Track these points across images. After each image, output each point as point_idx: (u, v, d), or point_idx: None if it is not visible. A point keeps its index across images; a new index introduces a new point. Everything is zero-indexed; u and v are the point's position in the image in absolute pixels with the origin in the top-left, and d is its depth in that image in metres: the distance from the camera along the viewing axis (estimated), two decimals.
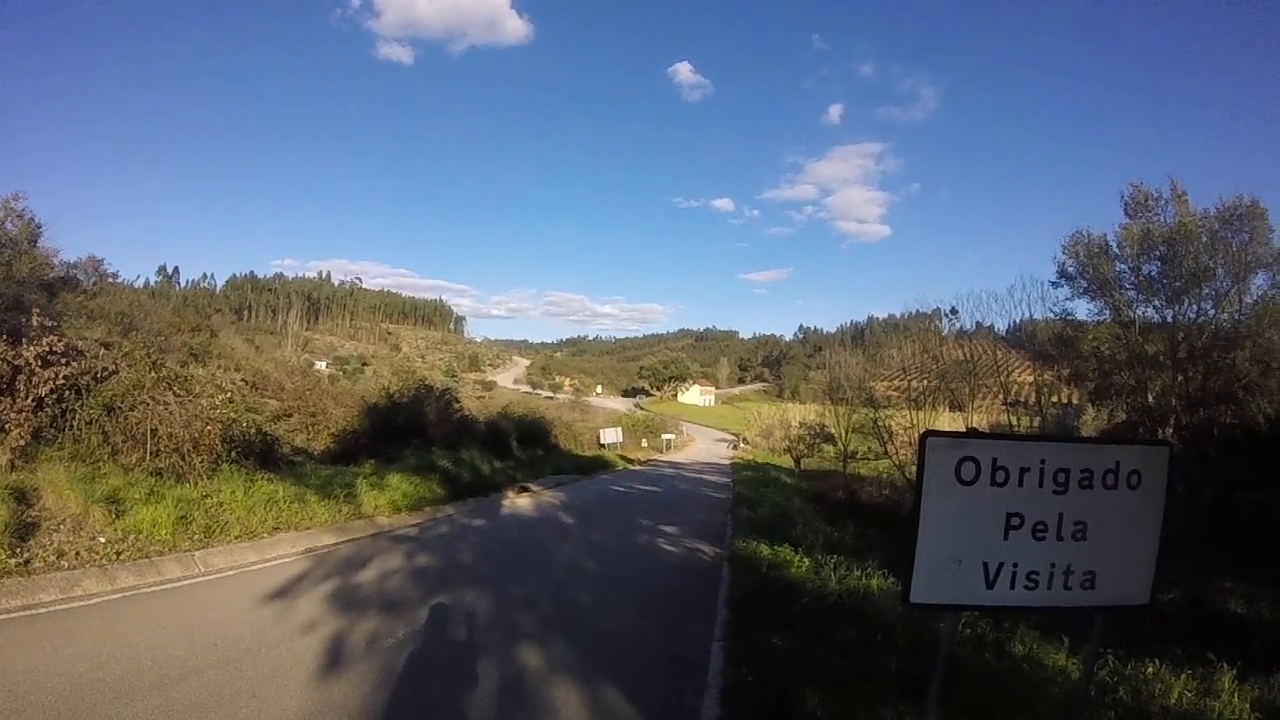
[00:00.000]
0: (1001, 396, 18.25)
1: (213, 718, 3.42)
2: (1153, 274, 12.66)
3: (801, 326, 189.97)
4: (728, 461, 36.69)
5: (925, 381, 19.40)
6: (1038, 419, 16.44)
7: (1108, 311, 13.47)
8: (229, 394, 9.79)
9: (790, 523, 11.50)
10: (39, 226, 17.79)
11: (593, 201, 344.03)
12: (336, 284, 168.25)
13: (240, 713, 3.49)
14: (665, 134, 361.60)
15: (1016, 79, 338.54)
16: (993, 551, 2.58)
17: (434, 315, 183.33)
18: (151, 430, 7.50)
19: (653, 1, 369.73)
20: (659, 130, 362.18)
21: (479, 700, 3.87)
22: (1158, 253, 12.51)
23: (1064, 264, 13.94)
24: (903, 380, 22.33)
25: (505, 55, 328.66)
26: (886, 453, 18.24)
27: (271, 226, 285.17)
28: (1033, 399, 17.18)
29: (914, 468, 2.80)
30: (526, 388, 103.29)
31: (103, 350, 9.21)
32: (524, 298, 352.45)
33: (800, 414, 42.39)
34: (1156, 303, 12.65)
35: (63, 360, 7.26)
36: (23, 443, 6.67)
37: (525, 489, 14.76)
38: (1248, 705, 4.39)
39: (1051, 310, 14.74)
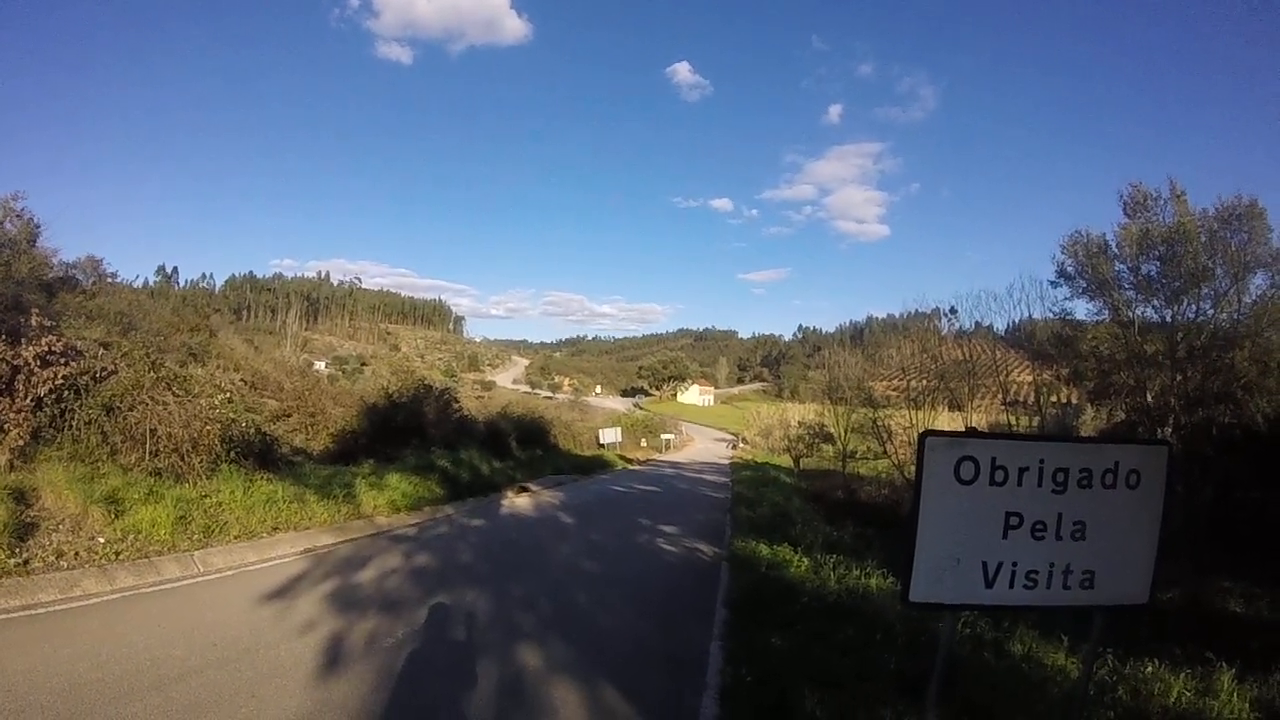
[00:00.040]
0: (1000, 396, 18.27)
1: (212, 718, 3.42)
2: (1152, 274, 12.64)
3: (800, 326, 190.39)
4: (727, 461, 36.70)
5: (924, 381, 19.37)
6: (1037, 419, 16.43)
7: (1107, 311, 13.44)
8: (228, 394, 9.77)
9: (789, 522, 11.49)
10: (38, 226, 17.75)
11: (592, 201, 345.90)
12: (335, 284, 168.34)
13: (239, 713, 3.49)
14: (664, 134, 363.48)
15: (1016, 79, 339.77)
16: (992, 551, 2.58)
17: (433, 315, 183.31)
18: (150, 430, 7.50)
19: (652, 1, 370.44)
20: (658, 130, 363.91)
21: (478, 700, 3.87)
22: (1157, 252, 12.50)
23: (1063, 264, 13.91)
24: (902, 380, 22.33)
25: (504, 55, 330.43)
26: (885, 452, 18.22)
27: (270, 226, 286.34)
28: (1032, 399, 17.18)
29: (913, 467, 2.80)
30: (525, 387, 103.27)
31: (102, 350, 9.19)
32: (523, 298, 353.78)
33: (799, 414, 42.32)
34: (1155, 302, 12.64)
35: (62, 360, 7.25)
36: (22, 443, 6.67)
37: (524, 489, 14.76)
38: (1247, 704, 4.39)
39: (1050, 310, 14.71)
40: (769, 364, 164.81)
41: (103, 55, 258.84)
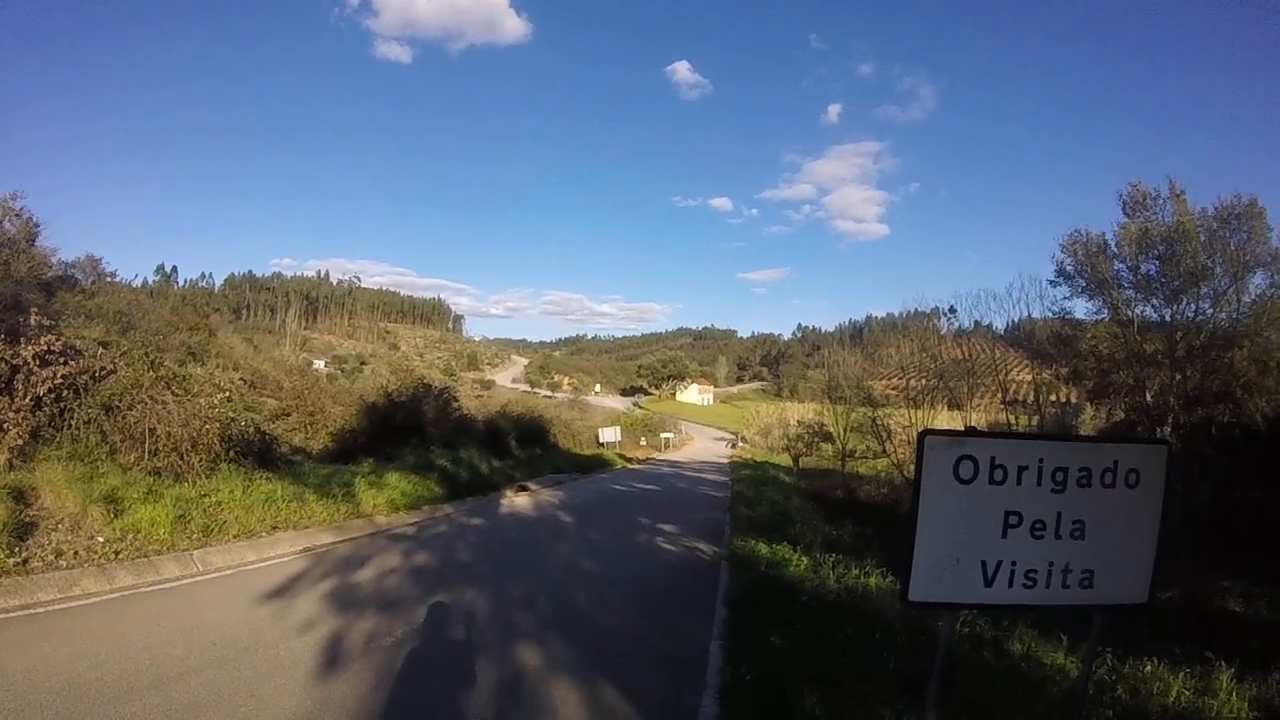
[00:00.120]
0: (1000, 395, 18.26)
1: (211, 717, 3.42)
2: (1151, 273, 12.65)
3: (800, 325, 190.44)
4: (726, 460, 36.70)
5: (924, 380, 19.42)
6: (1036, 418, 16.47)
7: (1106, 310, 13.46)
8: (227, 393, 9.76)
9: (789, 521, 11.49)
10: (37, 225, 17.78)
11: (591, 200, 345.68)
12: (335, 283, 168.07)
13: (239, 712, 3.49)
14: (663, 133, 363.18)
15: (1015, 78, 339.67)
16: (991, 550, 2.58)
17: (432, 314, 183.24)
18: (150, 429, 7.49)
19: (651, 1, 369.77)
20: (657, 129, 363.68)
21: (477, 699, 3.87)
22: (1156, 252, 12.50)
23: (1062, 263, 13.93)
24: (901, 379, 22.39)
25: (504, 54, 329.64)
26: (885, 451, 18.24)
27: (270, 226, 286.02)
28: (1031, 398, 17.21)
29: (912, 466, 2.80)
30: (525, 387, 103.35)
31: (101, 349, 9.18)
32: (522, 297, 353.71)
33: (799, 413, 42.36)
34: (1155, 302, 12.65)
35: (61, 359, 7.24)
36: (21, 442, 6.66)
37: (524, 488, 14.76)
38: (1246, 704, 4.39)
39: (1050, 309, 14.74)
40: (768, 363, 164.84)
41: (102, 55, 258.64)
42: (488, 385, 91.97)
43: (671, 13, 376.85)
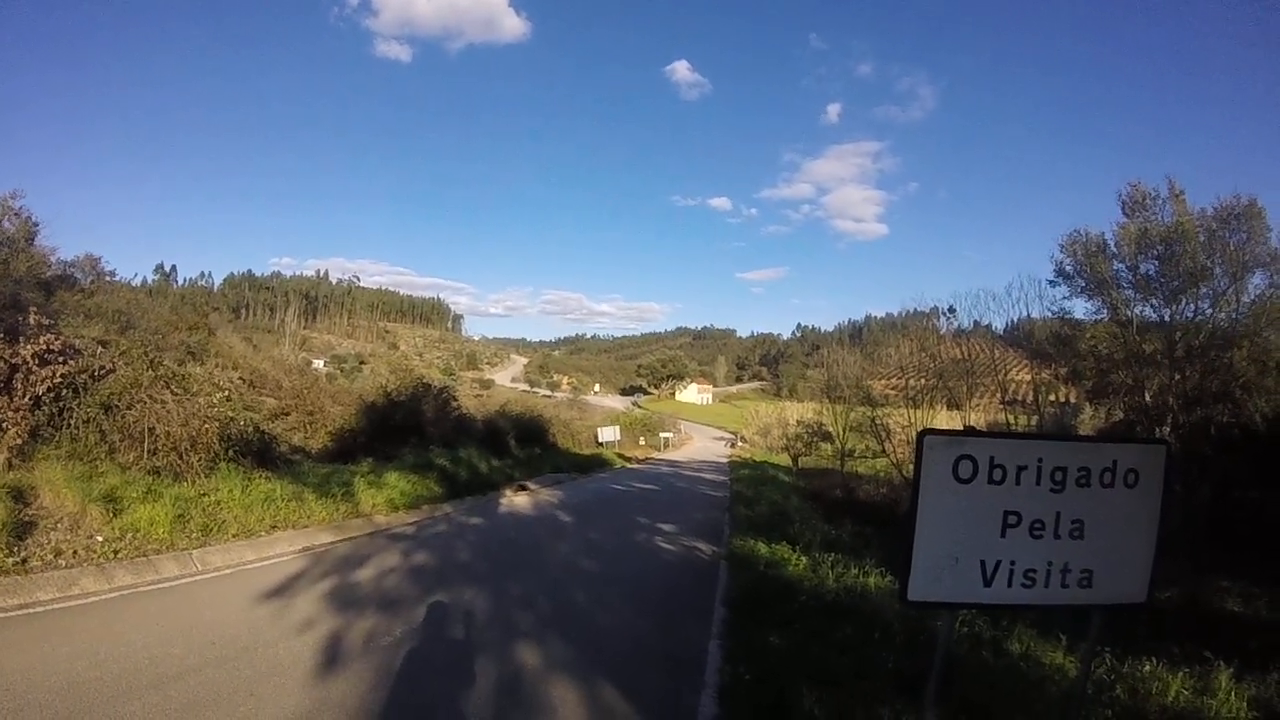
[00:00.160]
0: (999, 395, 18.29)
1: (210, 716, 3.41)
2: (1150, 273, 12.67)
3: (799, 325, 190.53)
4: (725, 460, 36.73)
5: (923, 380, 19.44)
6: (1035, 417, 16.49)
7: (1105, 310, 13.47)
8: (226, 392, 9.73)
9: (788, 521, 11.50)
10: (36, 225, 17.80)
11: (590, 200, 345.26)
12: (334, 282, 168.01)
13: (238, 711, 3.48)
14: (663, 132, 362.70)
15: (1015, 78, 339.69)
16: (990, 549, 2.58)
17: (432, 314, 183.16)
18: (149, 429, 7.48)
19: (651, 0, 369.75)
20: (656, 129, 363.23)
21: (476, 698, 3.87)
22: (1155, 252, 12.52)
23: (1062, 263, 13.95)
24: (900, 379, 22.41)
25: (503, 53, 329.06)
26: (884, 451, 18.28)
27: (269, 225, 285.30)
28: (1030, 398, 17.23)
29: (911, 466, 2.80)
30: (524, 386, 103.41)
31: (100, 349, 9.17)
32: (522, 296, 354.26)
33: (798, 412, 42.43)
34: (1154, 302, 12.67)
35: (60, 359, 7.23)
36: (20, 441, 6.66)
37: (523, 487, 14.76)
38: (1245, 704, 4.39)
39: (1049, 309, 14.78)
40: (767, 363, 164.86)
41: (102, 54, 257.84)
42: (487, 385, 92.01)
43: (671, 12, 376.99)
